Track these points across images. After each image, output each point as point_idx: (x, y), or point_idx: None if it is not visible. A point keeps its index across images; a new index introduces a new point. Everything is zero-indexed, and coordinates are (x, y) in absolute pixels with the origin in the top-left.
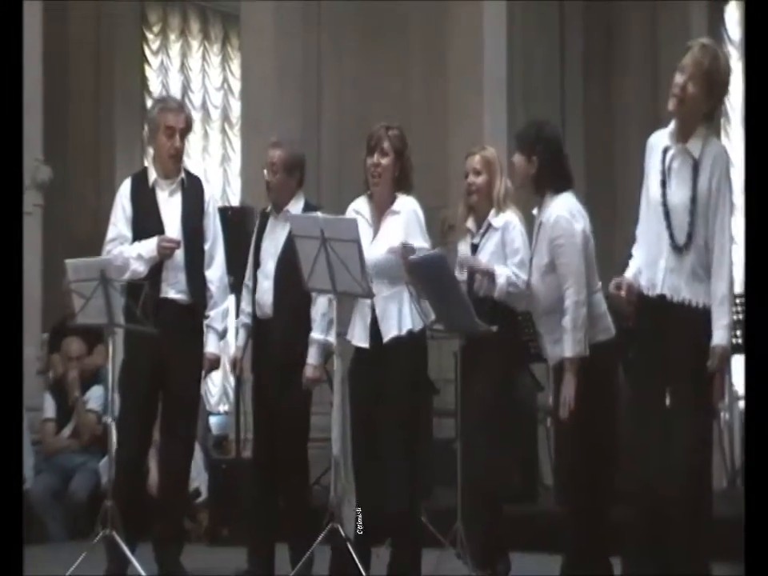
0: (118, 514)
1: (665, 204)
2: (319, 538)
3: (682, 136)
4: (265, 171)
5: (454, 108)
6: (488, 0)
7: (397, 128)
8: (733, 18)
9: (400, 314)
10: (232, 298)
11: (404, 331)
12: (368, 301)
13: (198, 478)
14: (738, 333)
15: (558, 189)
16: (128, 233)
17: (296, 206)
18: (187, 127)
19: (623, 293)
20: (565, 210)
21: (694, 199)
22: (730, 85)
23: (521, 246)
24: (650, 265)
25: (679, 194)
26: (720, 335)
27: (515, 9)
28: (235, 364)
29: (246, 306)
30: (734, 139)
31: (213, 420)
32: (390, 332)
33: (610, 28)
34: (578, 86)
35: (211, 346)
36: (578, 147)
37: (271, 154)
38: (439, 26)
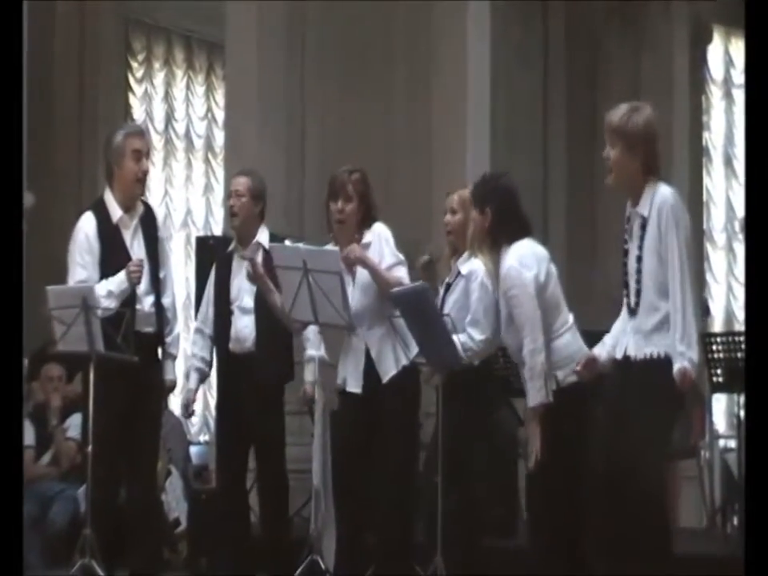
0: (96, 543)
1: (625, 273)
2: (299, 570)
3: (633, 200)
4: (231, 200)
5: (437, 140)
6: (472, 34)
7: (359, 171)
8: (716, 58)
9: (395, 351)
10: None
11: (399, 367)
12: (362, 344)
13: (178, 507)
14: (719, 371)
15: (513, 239)
16: (96, 276)
17: (263, 238)
18: (149, 151)
19: (578, 367)
20: (515, 260)
21: (639, 259)
22: (651, 133)
23: (476, 300)
24: (621, 331)
25: (632, 257)
26: (679, 360)
27: (499, 44)
28: (188, 406)
29: (199, 350)
30: (715, 178)
31: (193, 450)
32: (388, 372)
33: (593, 67)
34: (561, 123)
35: (170, 372)
36: (560, 184)
37: (236, 182)
38: (423, 58)
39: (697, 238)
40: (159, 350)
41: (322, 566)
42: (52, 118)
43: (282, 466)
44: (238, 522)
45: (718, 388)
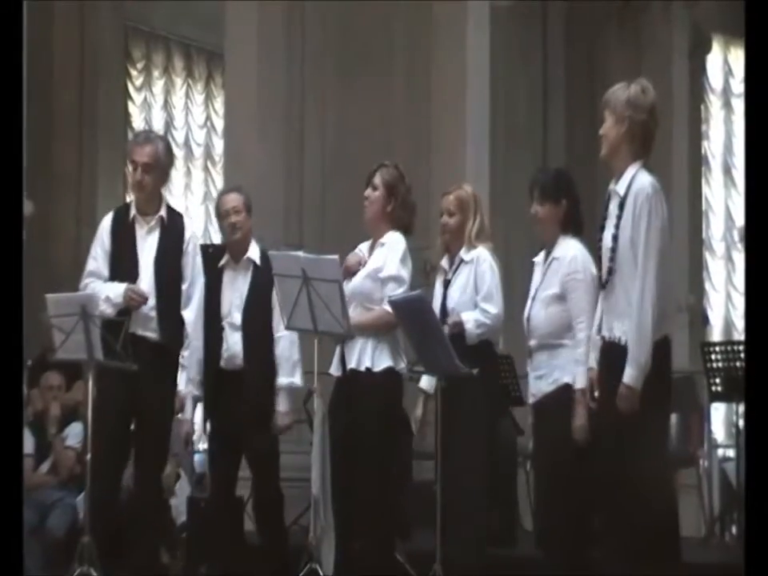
0: (95, 551)
1: (599, 248)
2: None
3: (616, 178)
4: (232, 218)
5: (436, 147)
6: (472, 33)
7: (391, 165)
8: (715, 68)
9: (362, 350)
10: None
11: (362, 367)
12: None
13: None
14: (718, 380)
15: (576, 232)
16: (105, 269)
17: (255, 253)
18: (153, 162)
19: (586, 402)
20: (582, 252)
21: (615, 237)
22: (637, 106)
23: (489, 279)
24: (600, 310)
25: (608, 235)
26: (628, 373)
27: (499, 47)
28: (187, 441)
29: (195, 374)
30: (714, 187)
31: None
32: (349, 363)
33: (592, 73)
34: (561, 128)
35: (185, 385)
36: None
37: (230, 199)
38: (422, 62)
39: (696, 246)
40: (171, 361)
41: (321, 575)
42: (52, 127)
43: (276, 477)
44: (231, 532)
45: (716, 397)
